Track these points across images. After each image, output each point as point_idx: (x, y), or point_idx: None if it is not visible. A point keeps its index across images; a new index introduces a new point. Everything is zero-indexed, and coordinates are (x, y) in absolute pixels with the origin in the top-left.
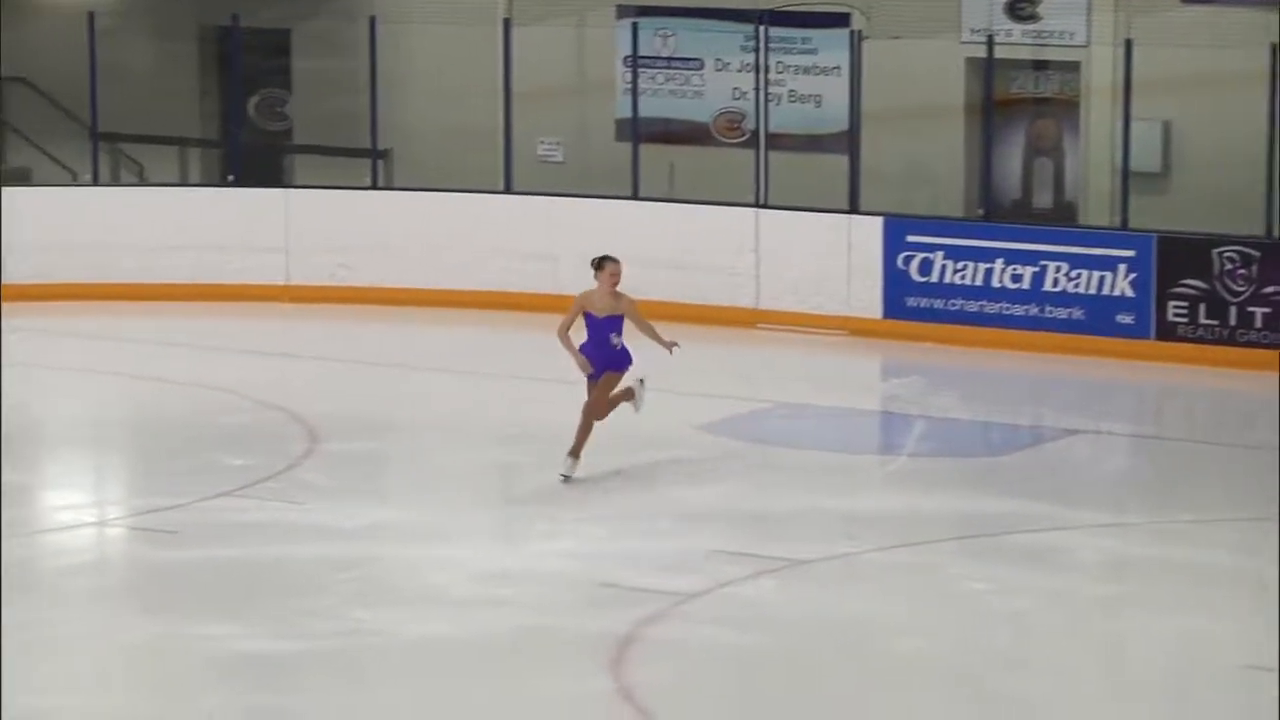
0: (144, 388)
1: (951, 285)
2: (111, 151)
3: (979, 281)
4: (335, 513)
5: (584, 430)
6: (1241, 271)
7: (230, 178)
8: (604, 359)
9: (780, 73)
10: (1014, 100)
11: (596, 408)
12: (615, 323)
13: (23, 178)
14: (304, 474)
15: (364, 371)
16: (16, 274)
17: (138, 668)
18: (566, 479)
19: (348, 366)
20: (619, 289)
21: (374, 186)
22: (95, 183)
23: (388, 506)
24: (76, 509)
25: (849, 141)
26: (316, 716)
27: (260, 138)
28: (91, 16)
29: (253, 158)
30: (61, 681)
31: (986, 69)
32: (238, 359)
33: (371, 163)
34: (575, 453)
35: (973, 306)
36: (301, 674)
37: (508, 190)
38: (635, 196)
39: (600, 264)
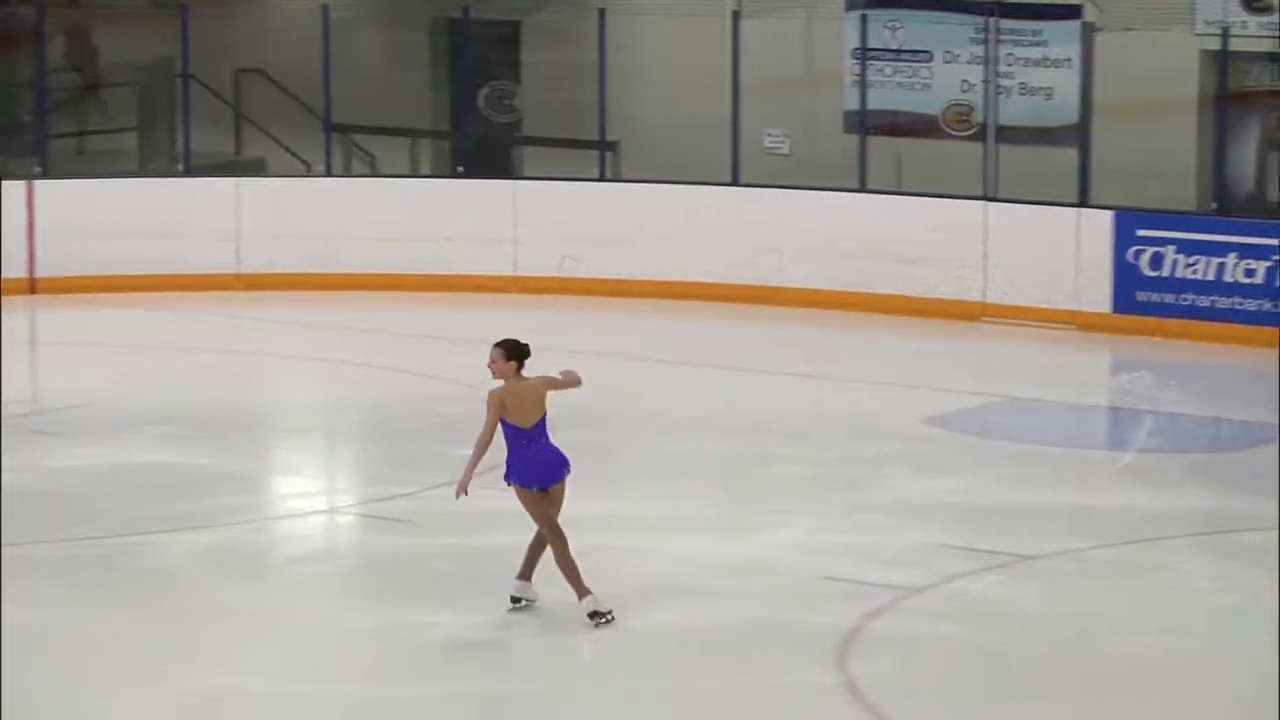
0: (374, 377)
1: (1183, 279)
2: (344, 143)
3: (1211, 276)
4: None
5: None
6: None
7: (460, 169)
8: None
9: (1010, 65)
10: (1249, 93)
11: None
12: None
13: (258, 168)
14: None
15: (591, 362)
16: (250, 264)
17: (365, 654)
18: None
19: (576, 357)
20: (519, 378)
21: (602, 178)
22: (328, 174)
23: (614, 497)
24: (307, 496)
25: (1079, 134)
26: (542, 706)
27: (489, 129)
28: (326, 10)
29: (482, 149)
30: (289, 667)
31: (1221, 61)
32: (466, 349)
33: (599, 154)
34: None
35: (1204, 301)
36: (528, 663)
37: (735, 182)
38: (862, 189)
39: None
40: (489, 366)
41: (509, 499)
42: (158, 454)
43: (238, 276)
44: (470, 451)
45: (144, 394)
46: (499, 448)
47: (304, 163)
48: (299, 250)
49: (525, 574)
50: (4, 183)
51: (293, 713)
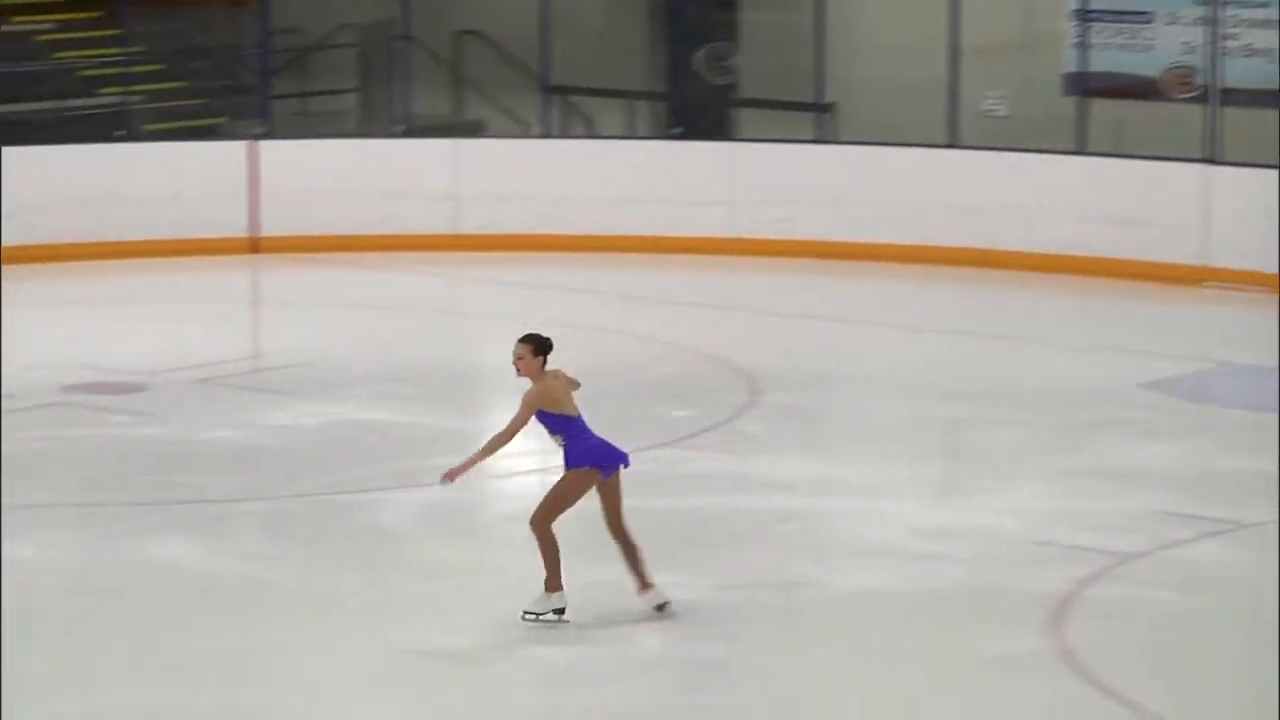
0: (587, 337)
1: None
2: (562, 104)
3: None
4: (776, 465)
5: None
6: None
7: (677, 130)
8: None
9: (1234, 26)
10: None
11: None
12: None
13: (476, 130)
14: (745, 425)
15: (806, 324)
16: (468, 225)
17: (578, 614)
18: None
19: (790, 319)
20: (538, 375)
21: (819, 140)
22: (546, 135)
23: (829, 460)
24: (521, 456)
25: None
26: (753, 667)
27: (706, 91)
28: None
29: (699, 111)
30: (500, 626)
31: None
32: (680, 310)
33: (816, 116)
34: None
35: None
36: (740, 624)
37: (952, 145)
38: (1081, 151)
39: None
40: (516, 364)
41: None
42: (375, 412)
43: (455, 237)
44: (476, 447)
45: (362, 353)
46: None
47: (522, 124)
48: (516, 211)
49: (644, 583)
50: (222, 143)
51: (504, 671)
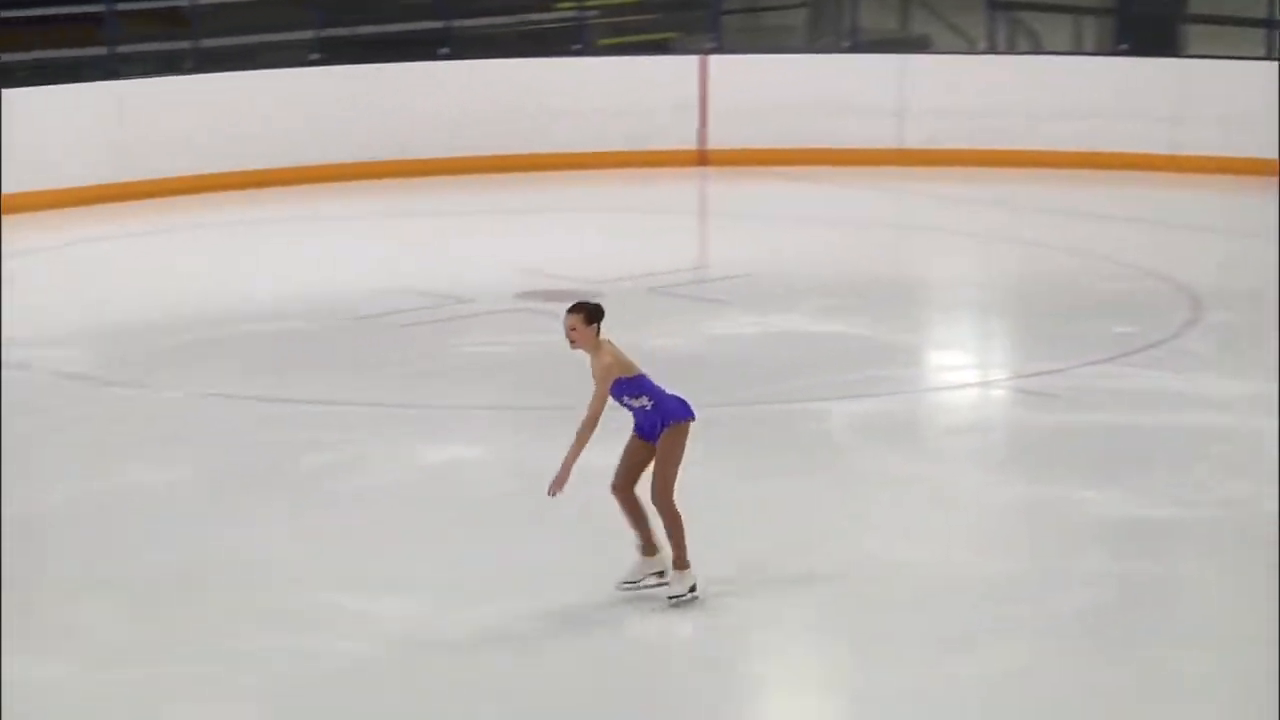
0: (1029, 253)
1: None
2: (1008, 19)
3: None
4: (1216, 383)
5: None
6: None
7: (1123, 46)
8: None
9: None
10: None
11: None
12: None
13: (922, 45)
14: (1187, 343)
15: (1250, 242)
16: (913, 139)
17: (1014, 528)
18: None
19: (1233, 237)
20: (597, 346)
21: (1268, 57)
22: (991, 51)
23: (1270, 378)
24: (961, 370)
25: None
26: (1189, 585)
27: (1154, 6)
28: None
29: (1146, 26)
30: (941, 536)
31: None
32: (1122, 226)
33: (1267, 33)
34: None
35: None
36: (1173, 541)
37: None
38: None
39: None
40: (570, 335)
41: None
42: (817, 324)
43: (899, 151)
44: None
45: (805, 265)
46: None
47: (968, 39)
48: (961, 126)
49: (651, 546)
50: (672, 58)
51: (946, 582)
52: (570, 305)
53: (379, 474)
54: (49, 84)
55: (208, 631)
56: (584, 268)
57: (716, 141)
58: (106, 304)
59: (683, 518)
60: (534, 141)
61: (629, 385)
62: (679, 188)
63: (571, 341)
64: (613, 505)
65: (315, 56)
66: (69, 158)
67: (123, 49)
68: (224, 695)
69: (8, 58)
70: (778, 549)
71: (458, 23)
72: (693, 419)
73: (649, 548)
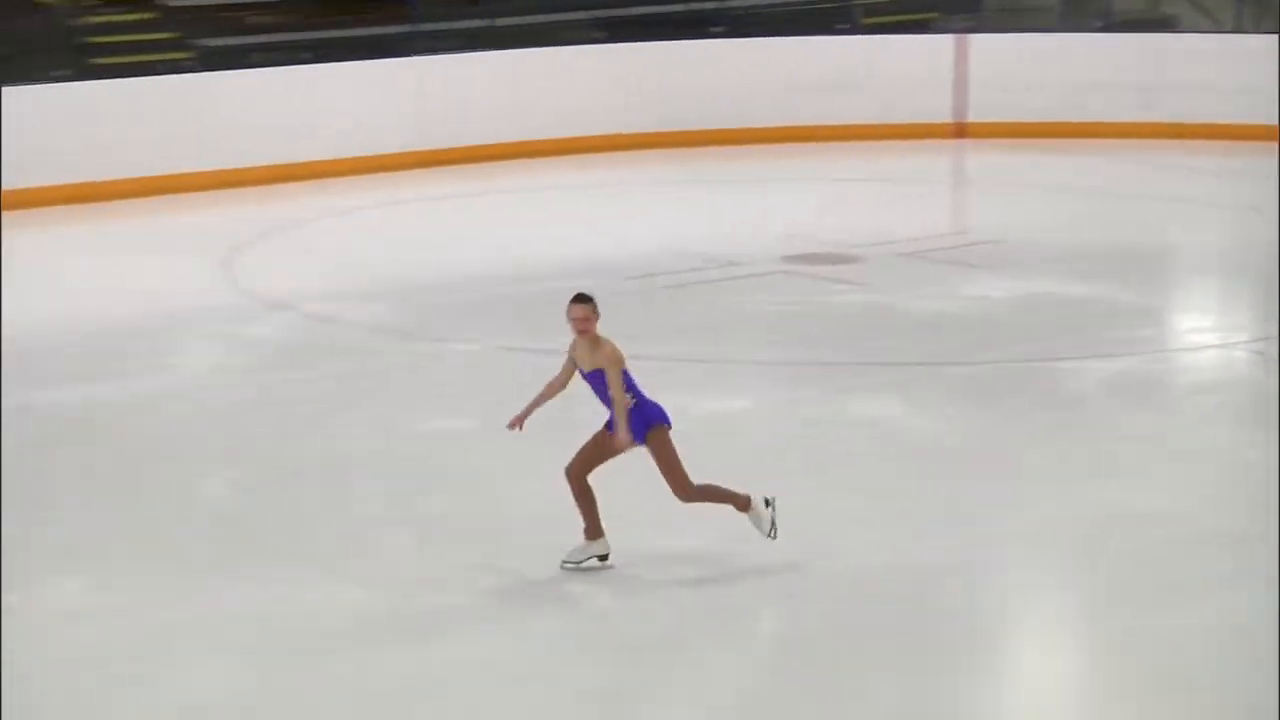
0: (1275, 223)
1: None
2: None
3: None
4: None
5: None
6: None
7: None
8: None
9: None
10: None
11: (679, 484)
12: (599, 378)
13: (1171, 24)
14: None
15: None
16: (1161, 113)
17: (1254, 482)
18: None
19: None
20: (597, 336)
21: None
22: (1238, 30)
23: None
24: (1205, 331)
25: None
26: None
27: None
28: None
29: None
30: (1184, 492)
31: None
32: None
33: None
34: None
35: None
36: None
37: None
38: None
39: (568, 309)
40: (582, 324)
41: None
42: (1067, 287)
43: (1148, 125)
44: None
45: (1056, 232)
46: None
47: (1214, 20)
48: (1206, 102)
49: (597, 530)
50: (931, 36)
51: (1190, 533)
52: (578, 295)
53: None
54: (361, 59)
55: (501, 570)
56: (846, 233)
57: (973, 115)
58: (409, 262)
59: (711, 485)
60: (801, 114)
61: (626, 378)
62: (937, 159)
63: (582, 331)
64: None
65: (599, 34)
66: (379, 127)
67: (425, 27)
68: (515, 632)
69: (328, 34)
70: (1024, 500)
71: (732, 3)
72: (670, 425)
73: (593, 531)
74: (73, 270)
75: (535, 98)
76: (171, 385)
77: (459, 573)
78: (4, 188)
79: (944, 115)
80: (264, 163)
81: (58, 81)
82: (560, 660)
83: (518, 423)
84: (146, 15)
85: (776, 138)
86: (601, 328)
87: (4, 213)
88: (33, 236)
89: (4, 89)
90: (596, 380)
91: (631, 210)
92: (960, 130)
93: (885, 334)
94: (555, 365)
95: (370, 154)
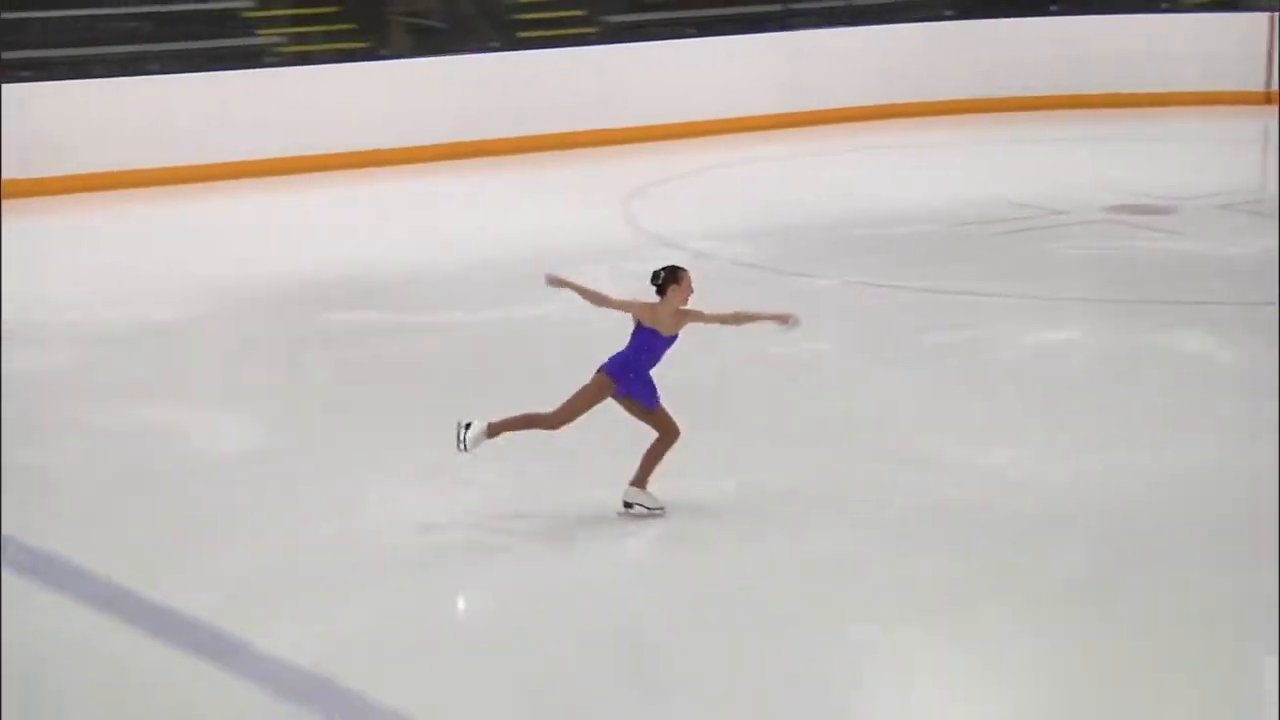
0: None
1: None
2: None
3: None
4: None
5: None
6: None
7: None
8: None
9: None
10: None
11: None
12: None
13: None
14: None
15: None
16: None
17: None
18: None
19: None
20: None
21: None
22: None
23: None
24: None
25: None
26: None
27: None
28: None
29: None
30: None
31: None
32: None
33: None
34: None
35: None
36: None
37: None
38: None
39: (678, 275)
40: (688, 290)
41: None
42: None
43: None
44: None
45: None
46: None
47: None
48: None
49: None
50: (1246, 14)
51: None
52: (680, 268)
53: (991, 351)
54: (737, 33)
55: (846, 471)
56: (1165, 187)
57: None
58: (776, 207)
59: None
60: (1122, 82)
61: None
62: (1246, 124)
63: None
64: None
65: (949, 12)
66: (746, 91)
67: (795, 5)
68: (852, 523)
69: (711, 12)
70: None
71: None
72: (615, 384)
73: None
74: (515, 210)
75: (887, 65)
76: (573, 308)
77: (820, 477)
78: (476, 139)
79: (1256, 85)
80: (659, 122)
81: (489, 51)
82: None
83: (557, 281)
84: None
85: (1100, 103)
86: (944, 261)
87: (478, 160)
88: (486, 180)
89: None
90: (666, 344)
91: (971, 165)
92: (1269, 99)
93: (1197, 277)
94: (900, 300)
95: (742, 115)
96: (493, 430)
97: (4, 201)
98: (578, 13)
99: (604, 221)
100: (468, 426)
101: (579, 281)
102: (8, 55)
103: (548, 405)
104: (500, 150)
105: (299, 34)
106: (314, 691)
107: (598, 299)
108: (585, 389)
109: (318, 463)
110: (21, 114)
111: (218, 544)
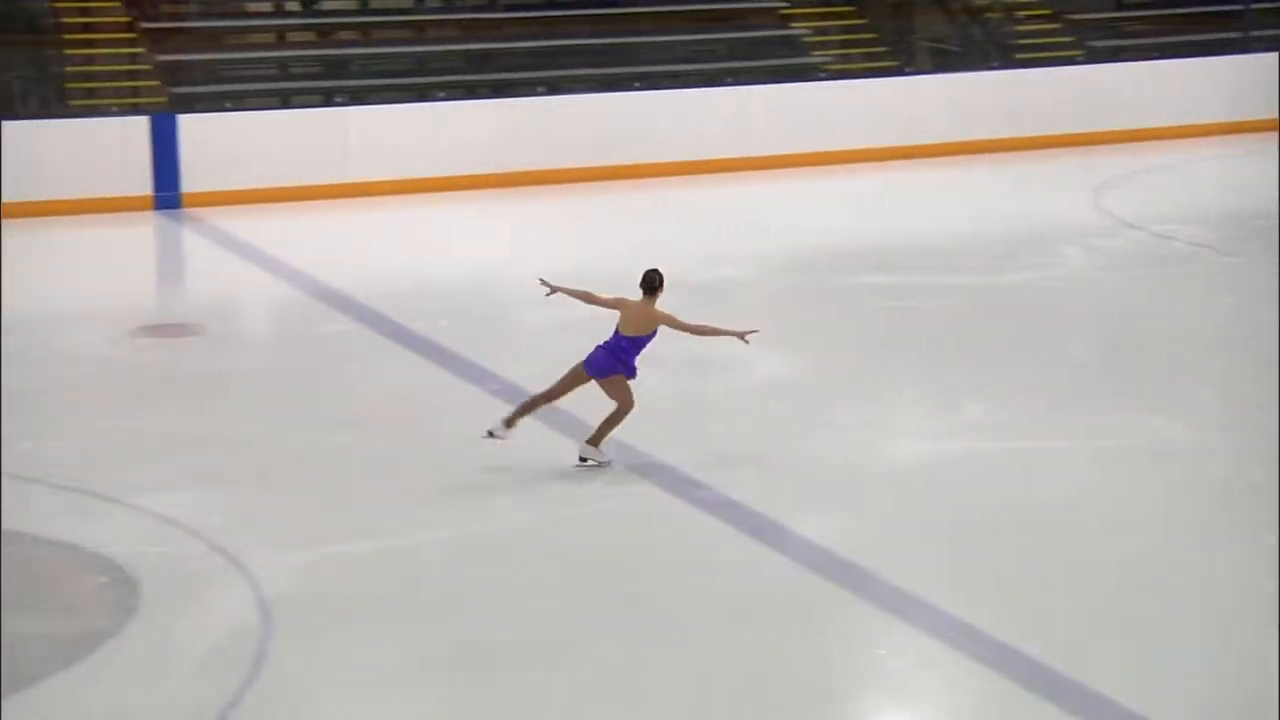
0: None
1: None
2: None
3: None
4: None
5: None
6: None
7: None
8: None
9: None
10: None
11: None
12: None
13: None
14: None
15: None
16: None
17: None
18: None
19: None
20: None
21: None
22: None
23: None
24: None
25: None
26: None
27: None
28: None
29: None
30: None
31: None
32: None
33: None
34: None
35: None
36: None
37: None
38: None
39: (660, 282)
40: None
41: None
42: None
43: None
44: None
45: None
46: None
47: None
48: None
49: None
50: None
51: None
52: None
53: None
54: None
55: None
56: None
57: None
58: (1222, 198)
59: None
60: None
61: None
62: None
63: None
64: None
65: None
66: (1201, 101)
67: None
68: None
69: (1174, 39)
70: None
71: None
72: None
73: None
74: (1004, 197)
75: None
76: (1053, 275)
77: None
78: (985, 138)
79: None
80: (1129, 126)
81: (992, 70)
82: None
83: (550, 287)
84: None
85: None
86: None
87: (983, 155)
88: (982, 173)
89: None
90: (641, 343)
91: None
92: None
93: None
94: None
95: (1196, 122)
96: (508, 422)
97: (618, 181)
98: (1067, 39)
99: (1074, 206)
100: (490, 433)
101: (568, 285)
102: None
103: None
104: (997, 148)
105: (843, 55)
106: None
107: (587, 298)
108: (570, 373)
109: (849, 390)
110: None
111: (766, 451)
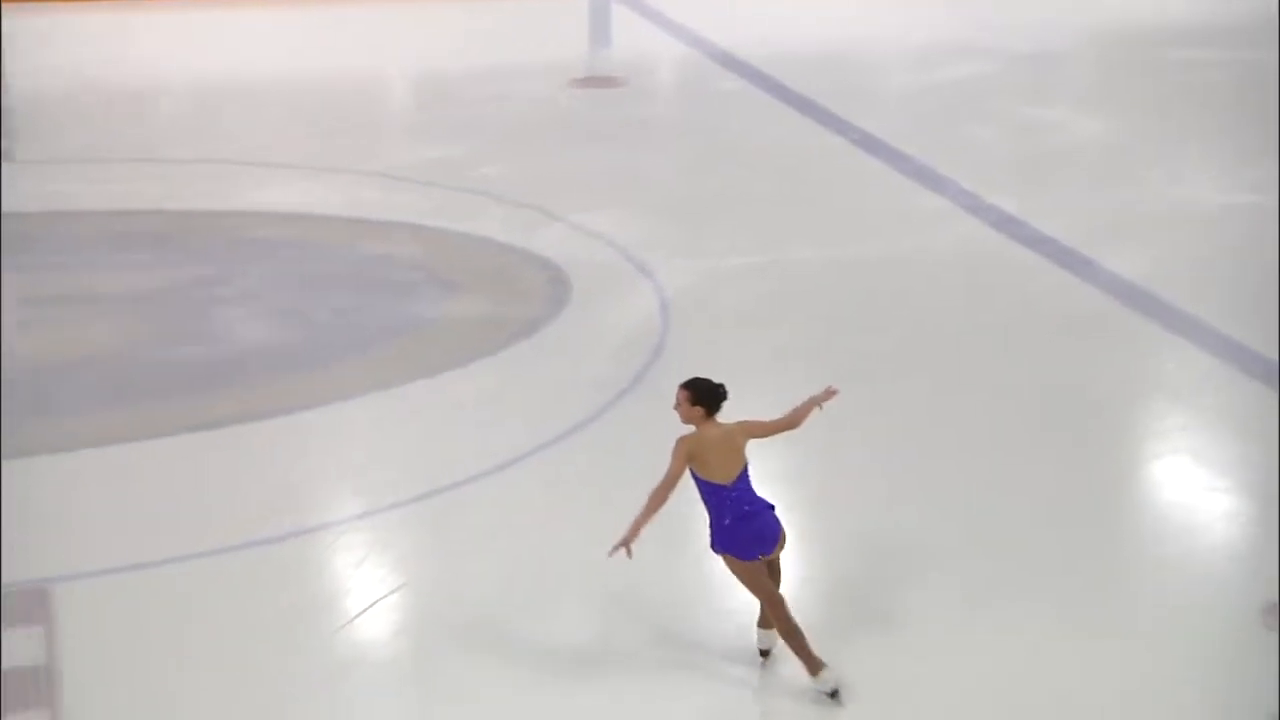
0: None
1: None
2: None
3: None
4: None
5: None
6: None
7: None
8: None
9: None
10: None
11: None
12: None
13: None
14: None
15: None
16: None
17: None
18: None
19: None
20: (712, 423)
21: None
22: None
23: None
24: None
25: None
26: None
27: None
28: None
29: None
30: None
31: None
32: None
33: None
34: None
35: None
36: None
37: None
38: None
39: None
40: (675, 410)
41: None
42: None
43: None
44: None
45: None
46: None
47: None
48: None
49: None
50: None
51: None
52: (685, 381)
53: None
54: None
55: None
56: None
57: None
58: None
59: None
60: None
61: (695, 481)
62: None
63: (679, 416)
64: None
65: None
66: None
67: None
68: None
69: None
70: None
71: None
72: (742, 558)
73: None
74: None
75: None
76: None
77: None
78: None
79: None
80: None
81: None
82: None
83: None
84: None
85: None
86: None
87: None
88: None
89: None
90: (695, 482)
91: None
92: None
93: None
94: None
95: None
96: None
97: None
98: None
99: None
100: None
101: (638, 521)
102: None
103: None
104: None
105: None
106: None
107: (660, 499)
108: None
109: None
110: None
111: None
